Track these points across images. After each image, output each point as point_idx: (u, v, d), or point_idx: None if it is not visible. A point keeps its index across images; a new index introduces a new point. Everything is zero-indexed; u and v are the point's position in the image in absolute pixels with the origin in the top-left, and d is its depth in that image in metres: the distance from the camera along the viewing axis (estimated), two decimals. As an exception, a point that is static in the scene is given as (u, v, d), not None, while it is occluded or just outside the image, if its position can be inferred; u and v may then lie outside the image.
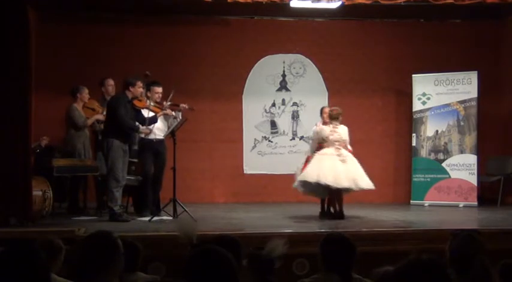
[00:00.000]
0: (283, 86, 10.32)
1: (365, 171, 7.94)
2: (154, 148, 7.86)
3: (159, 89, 7.83)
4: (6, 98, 6.84)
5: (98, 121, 8.26)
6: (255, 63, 10.20)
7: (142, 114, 7.53)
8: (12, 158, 6.81)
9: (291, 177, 8.29)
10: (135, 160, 7.83)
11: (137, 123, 7.52)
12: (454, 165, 9.57)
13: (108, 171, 7.26)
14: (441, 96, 9.73)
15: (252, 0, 8.19)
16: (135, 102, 7.40)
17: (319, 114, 8.39)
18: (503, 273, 3.20)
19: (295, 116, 10.21)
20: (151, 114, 7.60)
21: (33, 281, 2.23)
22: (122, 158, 7.27)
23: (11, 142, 6.83)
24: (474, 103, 9.54)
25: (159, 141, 7.91)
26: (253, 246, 3.57)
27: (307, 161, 7.84)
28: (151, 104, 7.63)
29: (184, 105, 7.88)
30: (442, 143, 9.72)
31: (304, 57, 10.31)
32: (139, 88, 7.41)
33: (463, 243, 3.41)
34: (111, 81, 8.40)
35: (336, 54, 10.23)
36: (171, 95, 7.72)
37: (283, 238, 3.38)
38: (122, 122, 7.25)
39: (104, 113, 7.92)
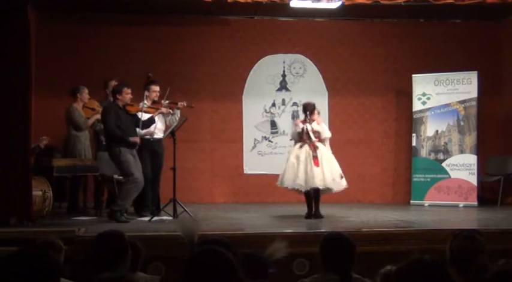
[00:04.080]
0: (283, 86, 10.32)
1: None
2: (151, 148, 7.85)
3: (157, 88, 7.83)
4: (6, 98, 6.83)
5: (98, 121, 8.26)
6: (255, 63, 10.21)
7: (137, 117, 7.51)
8: (12, 158, 6.80)
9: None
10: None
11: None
12: (454, 165, 9.57)
13: (128, 175, 7.21)
14: (441, 96, 9.73)
15: (252, 0, 8.19)
16: (128, 108, 7.40)
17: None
18: (503, 273, 3.20)
19: (295, 116, 10.17)
20: (146, 116, 7.58)
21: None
22: (134, 162, 7.27)
23: (11, 142, 6.83)
24: (474, 103, 9.54)
25: (157, 141, 7.90)
26: (252, 246, 3.57)
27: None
28: (145, 106, 7.61)
29: (182, 103, 7.86)
30: (442, 143, 9.72)
31: (304, 57, 10.31)
32: (126, 94, 7.41)
33: (463, 244, 3.41)
34: (115, 83, 8.39)
35: (336, 54, 10.24)
36: (167, 92, 7.69)
37: (285, 240, 3.36)
38: (112, 133, 7.27)
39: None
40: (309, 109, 7.86)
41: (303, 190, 7.66)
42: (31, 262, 2.21)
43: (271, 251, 3.29)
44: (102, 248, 3.34)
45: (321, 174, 7.56)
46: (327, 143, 7.94)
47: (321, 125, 7.86)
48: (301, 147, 7.74)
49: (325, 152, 7.75)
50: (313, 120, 7.81)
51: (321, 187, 7.59)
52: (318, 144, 7.74)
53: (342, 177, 7.77)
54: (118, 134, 7.27)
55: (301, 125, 7.80)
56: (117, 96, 7.39)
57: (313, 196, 7.75)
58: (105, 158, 7.72)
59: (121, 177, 7.52)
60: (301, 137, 7.77)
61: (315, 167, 7.56)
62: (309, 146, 7.70)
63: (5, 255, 2.24)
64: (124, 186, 7.31)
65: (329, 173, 7.61)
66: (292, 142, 8.21)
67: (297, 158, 7.67)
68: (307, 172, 7.55)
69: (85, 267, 3.39)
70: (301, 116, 8.18)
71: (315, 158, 7.61)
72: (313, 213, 7.74)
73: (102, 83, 8.51)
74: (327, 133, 7.89)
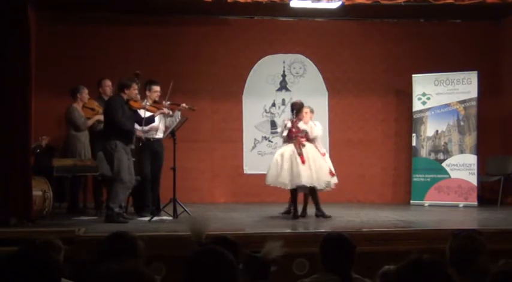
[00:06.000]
0: (283, 86, 10.32)
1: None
2: (152, 148, 7.86)
3: (158, 88, 7.84)
4: (6, 98, 6.84)
5: (98, 121, 8.26)
6: (255, 63, 10.20)
7: (139, 115, 7.52)
8: (12, 158, 6.80)
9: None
10: (133, 159, 7.82)
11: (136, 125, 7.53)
12: (454, 165, 9.57)
13: (115, 174, 7.20)
14: (441, 96, 9.73)
15: (252, 0, 8.19)
16: (131, 103, 7.40)
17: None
18: (503, 273, 3.20)
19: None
20: (148, 114, 7.58)
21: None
22: (126, 160, 7.25)
23: (11, 142, 6.83)
24: (474, 103, 9.54)
25: (157, 141, 7.92)
26: (252, 246, 3.56)
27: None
28: (148, 104, 7.62)
29: (184, 105, 7.88)
30: (442, 143, 9.72)
31: (304, 57, 10.31)
32: (134, 90, 7.40)
33: (463, 244, 3.41)
34: (108, 82, 8.41)
35: (335, 54, 10.24)
36: (170, 87, 7.68)
37: (280, 240, 3.35)
38: (120, 126, 7.22)
39: (104, 113, 7.92)
40: (295, 108, 7.87)
41: (287, 188, 7.67)
42: (32, 262, 2.21)
43: (267, 251, 3.28)
44: (110, 247, 3.30)
45: (307, 172, 7.56)
46: (318, 143, 7.94)
47: (308, 124, 7.83)
48: (286, 145, 7.78)
49: (311, 150, 7.74)
50: (300, 120, 7.81)
51: (307, 184, 7.58)
52: (305, 143, 7.74)
53: (333, 175, 7.77)
54: (126, 126, 7.25)
55: (288, 124, 7.80)
56: (125, 90, 7.34)
57: (310, 195, 7.75)
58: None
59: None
60: (288, 136, 7.78)
61: (300, 165, 7.56)
62: (295, 144, 7.71)
63: (5, 255, 2.24)
64: (112, 187, 7.27)
65: (315, 171, 7.61)
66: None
67: (282, 156, 7.69)
68: (293, 170, 7.56)
69: (87, 267, 3.38)
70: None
71: (301, 155, 7.62)
72: (303, 212, 7.81)
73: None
74: (315, 132, 7.87)
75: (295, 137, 7.73)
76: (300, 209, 7.83)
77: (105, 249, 3.25)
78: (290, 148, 7.70)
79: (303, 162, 7.57)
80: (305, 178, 7.52)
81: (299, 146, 7.68)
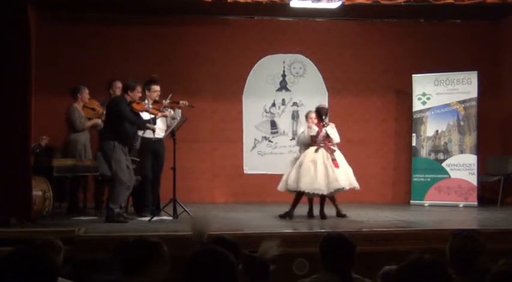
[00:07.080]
0: (283, 86, 10.32)
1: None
2: (153, 147, 7.87)
3: (157, 87, 7.85)
4: (6, 98, 6.84)
5: (96, 125, 8.26)
6: (255, 63, 10.21)
7: (141, 117, 7.53)
8: (12, 158, 6.80)
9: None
10: (137, 159, 7.83)
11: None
12: (454, 165, 9.57)
13: (114, 174, 7.21)
14: (441, 96, 9.73)
15: (252, 0, 8.19)
16: (134, 105, 7.40)
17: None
18: (503, 273, 3.19)
19: (295, 116, 10.21)
20: (150, 116, 7.60)
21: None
22: (125, 160, 7.25)
23: (11, 142, 6.83)
24: (474, 103, 9.54)
25: (158, 141, 7.93)
26: (252, 246, 3.56)
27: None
28: (150, 106, 7.64)
29: (184, 102, 7.88)
30: (442, 143, 9.72)
31: (304, 57, 10.32)
32: (138, 93, 7.41)
33: (463, 244, 3.41)
34: (119, 84, 8.37)
35: (336, 54, 10.24)
36: (170, 96, 7.73)
37: (277, 239, 3.35)
38: (131, 121, 7.25)
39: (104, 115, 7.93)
40: (324, 113, 7.77)
41: (325, 193, 7.62)
42: (27, 262, 2.21)
43: (263, 250, 3.28)
44: (134, 254, 3.18)
45: (343, 175, 7.60)
46: (336, 147, 7.98)
47: (333, 129, 7.84)
48: (316, 151, 7.67)
49: (339, 154, 7.79)
50: (328, 124, 7.79)
51: (346, 187, 7.64)
52: (333, 147, 7.75)
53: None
54: (135, 120, 7.28)
55: (316, 128, 7.75)
56: (129, 92, 7.33)
57: (322, 197, 7.75)
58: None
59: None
60: (315, 141, 7.72)
61: (336, 169, 7.56)
62: (326, 149, 7.68)
63: (1, 255, 2.24)
64: (112, 188, 7.28)
65: (348, 174, 7.70)
66: (293, 142, 8.22)
67: (314, 162, 7.60)
68: (329, 175, 7.53)
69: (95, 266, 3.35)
70: (303, 119, 8.14)
71: (334, 160, 7.62)
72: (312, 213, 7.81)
73: (102, 83, 8.49)
74: (338, 138, 7.89)
75: (324, 142, 7.69)
76: (297, 210, 7.85)
77: (128, 255, 3.13)
78: (321, 154, 7.63)
79: (337, 166, 7.58)
80: (343, 181, 7.57)
81: (331, 152, 7.67)
